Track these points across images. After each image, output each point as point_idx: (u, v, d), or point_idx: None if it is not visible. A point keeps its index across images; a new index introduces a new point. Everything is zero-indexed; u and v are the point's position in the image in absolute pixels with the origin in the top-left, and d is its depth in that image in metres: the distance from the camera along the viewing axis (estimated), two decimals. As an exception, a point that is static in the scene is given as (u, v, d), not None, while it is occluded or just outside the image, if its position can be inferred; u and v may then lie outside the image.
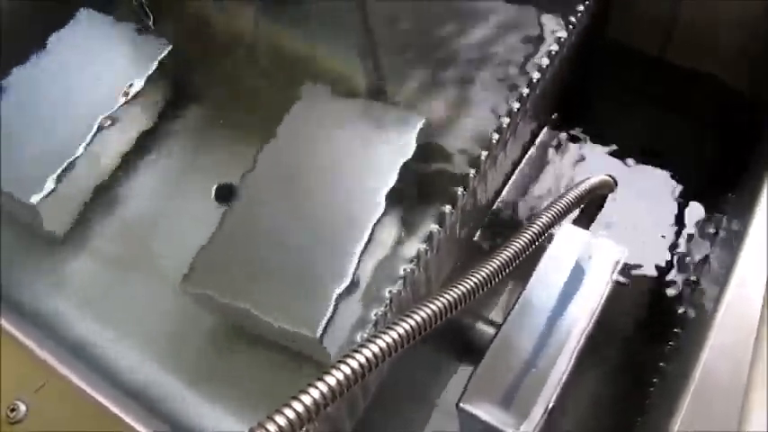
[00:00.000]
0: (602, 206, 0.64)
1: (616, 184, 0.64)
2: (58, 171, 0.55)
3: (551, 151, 0.69)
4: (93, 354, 0.51)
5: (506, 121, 0.55)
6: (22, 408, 0.42)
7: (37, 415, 0.42)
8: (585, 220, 0.62)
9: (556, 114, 0.70)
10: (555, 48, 0.58)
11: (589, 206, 0.61)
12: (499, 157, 0.57)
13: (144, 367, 0.51)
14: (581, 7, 0.60)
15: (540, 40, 0.59)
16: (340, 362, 0.36)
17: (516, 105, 0.55)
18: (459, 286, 0.42)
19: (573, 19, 0.60)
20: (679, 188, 0.66)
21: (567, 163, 0.68)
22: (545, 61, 0.57)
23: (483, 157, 0.53)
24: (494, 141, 0.54)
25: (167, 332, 0.53)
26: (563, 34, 0.59)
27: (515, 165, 0.66)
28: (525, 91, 0.56)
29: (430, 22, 0.61)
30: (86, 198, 0.58)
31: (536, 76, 0.57)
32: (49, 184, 0.54)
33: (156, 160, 0.61)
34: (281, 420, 0.33)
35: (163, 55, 0.61)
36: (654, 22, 0.66)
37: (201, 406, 0.50)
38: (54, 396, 0.43)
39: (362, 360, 0.36)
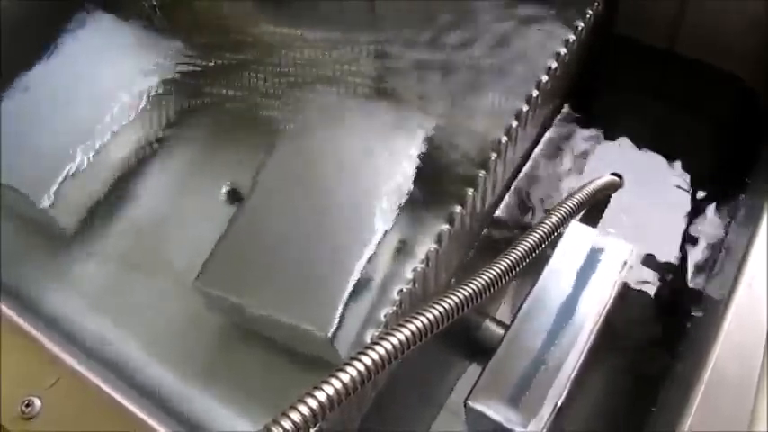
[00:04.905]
0: (607, 205, 0.64)
1: (622, 183, 0.64)
2: (68, 171, 0.55)
3: (560, 149, 0.69)
4: (104, 351, 0.52)
5: (515, 124, 0.55)
6: (37, 403, 0.42)
7: (51, 410, 0.42)
8: (593, 219, 0.62)
9: (565, 111, 0.70)
10: (563, 50, 0.59)
11: (596, 205, 0.61)
12: (508, 156, 0.58)
13: (153, 365, 0.52)
14: (589, 10, 0.61)
15: (548, 41, 0.59)
16: (353, 359, 0.36)
17: (525, 107, 0.56)
18: (470, 285, 0.43)
19: (581, 22, 0.60)
20: (688, 186, 0.66)
21: (575, 160, 0.68)
22: (553, 64, 0.58)
23: (492, 158, 0.54)
24: (503, 142, 0.54)
25: (177, 331, 0.53)
26: (571, 36, 0.59)
27: (524, 162, 0.66)
28: (534, 93, 0.56)
29: (437, 23, 0.62)
30: (96, 198, 0.58)
31: (544, 78, 0.57)
32: (59, 184, 0.55)
33: (165, 161, 0.61)
34: (295, 416, 0.34)
35: (173, 56, 0.61)
36: (663, 17, 0.67)
37: (210, 404, 0.50)
38: (68, 392, 0.43)
39: (375, 357, 0.36)
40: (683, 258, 0.61)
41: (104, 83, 0.60)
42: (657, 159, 0.68)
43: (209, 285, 0.49)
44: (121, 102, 0.58)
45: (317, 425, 0.34)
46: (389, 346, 0.37)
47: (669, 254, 0.62)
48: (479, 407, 0.47)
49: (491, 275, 0.44)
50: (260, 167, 0.53)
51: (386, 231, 0.49)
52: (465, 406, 0.48)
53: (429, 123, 0.53)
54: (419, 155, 0.52)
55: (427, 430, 0.57)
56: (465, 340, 0.58)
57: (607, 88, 0.74)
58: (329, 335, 0.45)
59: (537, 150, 0.67)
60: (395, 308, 0.48)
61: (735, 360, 0.39)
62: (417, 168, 0.51)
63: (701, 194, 0.65)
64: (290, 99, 0.58)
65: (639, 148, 0.69)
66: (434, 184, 0.52)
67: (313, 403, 0.34)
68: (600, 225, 0.63)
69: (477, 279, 0.43)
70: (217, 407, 0.50)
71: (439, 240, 0.50)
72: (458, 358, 0.59)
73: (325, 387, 0.35)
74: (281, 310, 0.47)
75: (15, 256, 0.56)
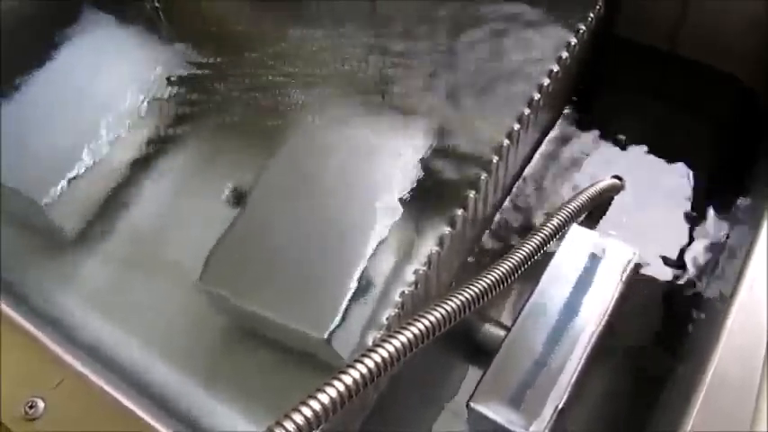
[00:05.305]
0: (609, 208, 0.64)
1: (624, 186, 0.64)
2: (71, 173, 0.55)
3: (561, 150, 0.69)
4: (107, 352, 0.52)
5: (517, 126, 0.56)
6: (41, 404, 0.42)
7: (55, 411, 0.42)
8: (594, 221, 0.62)
9: (566, 113, 0.70)
10: (564, 53, 0.59)
11: (597, 207, 0.61)
12: (510, 159, 0.58)
13: (155, 366, 0.52)
14: (590, 13, 0.61)
15: (550, 45, 0.59)
16: (356, 361, 0.36)
17: (527, 110, 0.56)
18: (472, 288, 0.43)
19: (582, 25, 0.60)
20: (688, 186, 0.66)
21: (577, 162, 0.68)
22: (555, 67, 0.58)
23: (494, 161, 0.54)
24: (505, 145, 0.55)
25: (179, 332, 0.54)
26: (573, 40, 0.59)
27: (526, 164, 0.66)
28: (536, 96, 0.56)
29: (439, 25, 0.62)
30: (99, 200, 0.59)
31: (546, 81, 0.57)
32: (61, 186, 0.55)
33: (167, 163, 0.61)
34: (298, 418, 0.34)
35: (175, 58, 0.61)
36: (663, 18, 0.67)
37: (212, 405, 0.50)
38: (72, 393, 0.44)
39: (378, 360, 0.36)
40: (684, 260, 0.61)
41: (106, 85, 0.60)
42: (658, 160, 0.68)
43: (211, 285, 0.49)
44: (124, 104, 0.58)
45: (320, 427, 0.34)
46: (392, 349, 0.37)
47: (670, 255, 0.61)
48: (481, 408, 0.47)
49: (493, 278, 0.44)
50: (262, 169, 0.53)
51: (387, 233, 0.49)
52: (467, 407, 0.48)
53: (431, 125, 0.53)
54: (421, 157, 0.52)
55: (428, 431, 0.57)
56: (467, 342, 0.58)
57: (608, 89, 0.74)
58: (326, 337, 0.46)
59: (538, 152, 0.68)
60: (396, 310, 0.48)
61: (736, 361, 0.39)
62: (419, 170, 0.52)
63: (701, 195, 0.65)
64: (291, 101, 0.58)
65: (640, 148, 0.69)
66: (436, 186, 0.53)
67: (316, 406, 0.34)
68: (601, 227, 0.63)
69: (480, 282, 0.43)
70: (219, 408, 0.50)
71: (441, 243, 0.51)
72: (459, 360, 0.59)
73: (328, 390, 0.35)
74: (281, 311, 0.47)
75: (19, 258, 0.56)
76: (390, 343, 0.37)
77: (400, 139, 0.53)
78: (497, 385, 0.48)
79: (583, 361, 0.48)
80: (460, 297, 0.41)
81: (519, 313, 0.51)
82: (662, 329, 0.58)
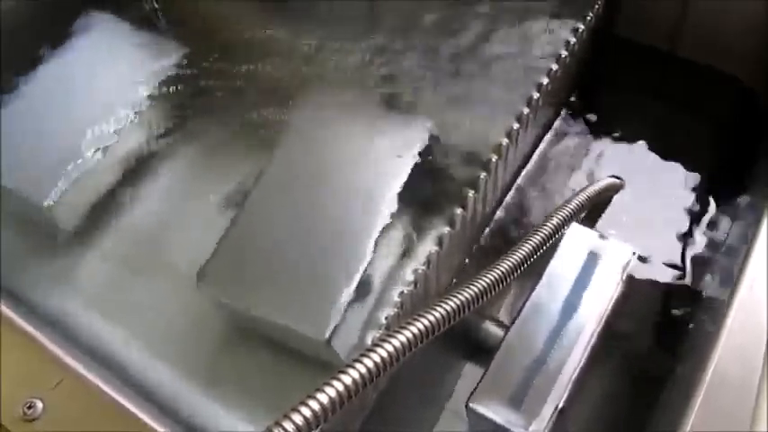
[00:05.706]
0: (607, 207, 0.64)
1: (623, 185, 0.64)
2: (70, 173, 0.55)
3: (560, 150, 0.69)
4: (106, 353, 0.52)
5: (516, 126, 0.56)
6: (39, 405, 0.42)
7: (53, 412, 0.42)
8: (592, 220, 0.62)
9: (565, 112, 0.70)
10: (564, 52, 0.59)
11: (596, 207, 0.61)
12: (509, 158, 0.58)
13: (155, 367, 0.52)
14: (590, 12, 0.61)
15: (549, 43, 0.59)
16: (355, 361, 0.36)
17: (526, 109, 0.56)
18: (471, 287, 0.43)
19: (581, 24, 0.60)
20: (688, 186, 0.66)
21: (576, 161, 0.68)
22: (554, 66, 0.58)
23: (494, 160, 0.54)
24: (504, 144, 0.55)
25: (178, 332, 0.53)
26: (572, 39, 0.59)
27: (525, 163, 0.66)
28: (535, 95, 0.56)
29: (437, 24, 0.62)
30: (97, 199, 0.59)
31: (545, 80, 0.57)
32: (61, 186, 0.55)
33: (167, 163, 0.61)
34: (297, 418, 0.34)
35: (175, 58, 0.61)
36: (663, 18, 0.67)
37: (212, 406, 0.50)
38: (70, 393, 0.43)
39: (377, 360, 0.36)
40: (684, 259, 0.61)
41: (106, 85, 0.60)
42: (658, 159, 0.68)
43: (210, 287, 0.49)
44: (123, 104, 0.58)
45: (319, 427, 0.34)
46: (391, 349, 0.37)
47: (670, 255, 0.62)
48: (480, 409, 0.47)
49: (493, 277, 0.44)
50: (261, 170, 0.53)
51: (386, 233, 0.49)
52: (466, 408, 0.48)
53: (430, 125, 0.53)
54: (420, 156, 0.52)
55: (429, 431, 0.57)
56: (466, 341, 0.58)
57: (608, 88, 0.74)
58: (326, 338, 0.45)
59: (538, 151, 0.68)
60: (396, 309, 0.48)
61: (736, 361, 0.39)
62: (418, 170, 0.51)
63: (701, 195, 0.65)
64: (291, 101, 0.58)
65: (640, 148, 0.69)
66: (435, 185, 0.53)
67: (315, 406, 0.34)
68: (600, 226, 0.63)
69: (479, 281, 0.43)
70: (219, 408, 0.50)
71: (440, 242, 0.50)
72: (459, 359, 0.59)
73: (327, 390, 0.35)
74: (280, 312, 0.47)
75: (18, 258, 0.56)
76: (390, 342, 0.37)
77: (399, 138, 0.53)
78: (497, 385, 0.48)
79: (582, 360, 0.48)
80: (460, 296, 0.41)
81: (518, 312, 0.51)
82: (662, 329, 0.58)
